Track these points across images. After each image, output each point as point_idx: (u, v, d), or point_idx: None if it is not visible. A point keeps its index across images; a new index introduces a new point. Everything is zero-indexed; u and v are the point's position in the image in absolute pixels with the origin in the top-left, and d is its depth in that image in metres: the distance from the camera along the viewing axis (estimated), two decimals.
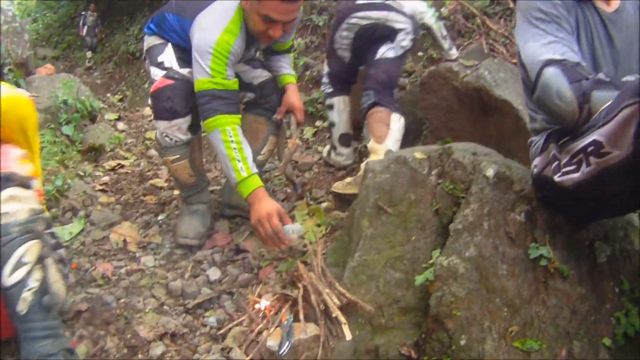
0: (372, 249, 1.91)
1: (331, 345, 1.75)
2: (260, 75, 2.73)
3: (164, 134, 2.46)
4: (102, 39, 12.67)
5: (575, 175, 1.53)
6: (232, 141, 2.25)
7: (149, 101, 2.48)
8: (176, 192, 3.12)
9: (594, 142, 1.44)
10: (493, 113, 2.98)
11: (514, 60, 3.55)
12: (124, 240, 2.65)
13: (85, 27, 12.83)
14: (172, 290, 2.26)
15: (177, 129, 2.44)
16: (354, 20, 2.99)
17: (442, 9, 4.48)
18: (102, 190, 3.31)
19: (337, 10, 3.52)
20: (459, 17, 4.38)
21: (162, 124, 2.44)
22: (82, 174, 3.44)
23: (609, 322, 1.72)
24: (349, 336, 1.76)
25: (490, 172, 1.83)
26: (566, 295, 1.70)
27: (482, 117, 3.03)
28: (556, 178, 1.65)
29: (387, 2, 2.95)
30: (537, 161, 1.86)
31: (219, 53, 2.25)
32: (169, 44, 2.53)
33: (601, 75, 1.56)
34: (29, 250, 1.55)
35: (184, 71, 2.42)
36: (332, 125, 3.35)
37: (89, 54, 12.49)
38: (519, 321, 1.67)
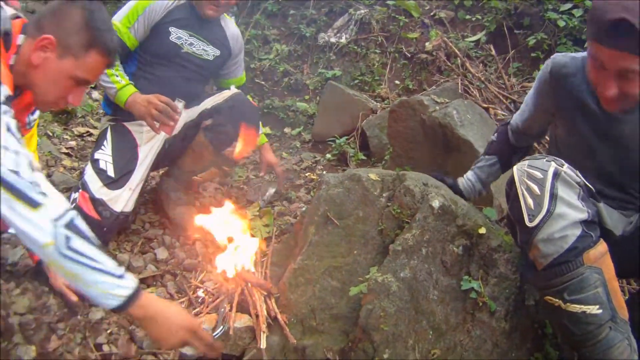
0: (315, 255, 1.99)
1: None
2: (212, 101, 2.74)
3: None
4: None
5: None
6: (114, 74, 2.46)
7: None
8: None
9: None
10: (454, 150, 3.02)
11: (485, 105, 3.67)
12: None
13: None
14: (119, 261, 2.31)
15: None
16: None
17: (427, 44, 4.57)
18: (67, 154, 3.30)
19: None
20: (441, 55, 4.48)
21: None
22: (50, 134, 3.43)
23: None
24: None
25: (436, 203, 1.92)
26: (490, 329, 1.79)
27: (443, 152, 3.07)
28: None
29: None
30: None
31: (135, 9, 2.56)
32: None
33: None
34: None
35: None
36: None
37: None
38: (442, 345, 1.76)
